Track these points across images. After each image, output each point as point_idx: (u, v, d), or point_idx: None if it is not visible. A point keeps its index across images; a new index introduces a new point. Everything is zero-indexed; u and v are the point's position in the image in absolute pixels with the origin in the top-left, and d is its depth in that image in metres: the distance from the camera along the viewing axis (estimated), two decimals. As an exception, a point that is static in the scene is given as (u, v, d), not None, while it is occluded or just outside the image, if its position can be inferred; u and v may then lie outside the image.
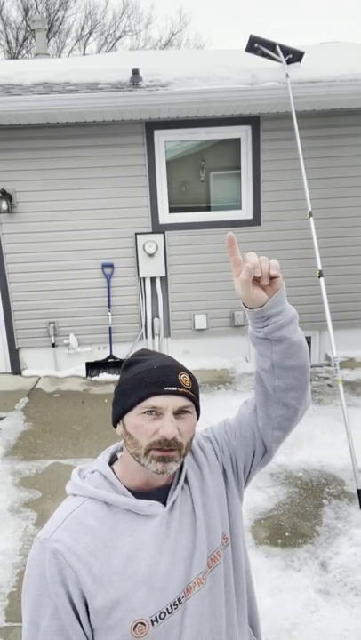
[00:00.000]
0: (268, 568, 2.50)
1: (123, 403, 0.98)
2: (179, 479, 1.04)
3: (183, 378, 0.98)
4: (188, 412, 0.97)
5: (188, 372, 1.01)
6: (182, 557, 0.98)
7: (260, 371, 1.08)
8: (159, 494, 1.01)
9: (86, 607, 0.92)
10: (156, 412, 0.94)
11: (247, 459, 1.12)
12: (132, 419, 0.96)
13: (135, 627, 0.91)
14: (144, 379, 0.96)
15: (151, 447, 0.93)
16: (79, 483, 1.01)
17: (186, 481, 1.05)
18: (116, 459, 1.08)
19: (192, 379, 1.01)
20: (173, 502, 1.01)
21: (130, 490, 0.99)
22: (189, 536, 1.00)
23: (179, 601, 0.96)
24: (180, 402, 0.96)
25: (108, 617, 0.91)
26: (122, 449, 1.06)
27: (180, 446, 0.95)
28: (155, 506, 0.98)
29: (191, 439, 0.99)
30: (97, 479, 1.01)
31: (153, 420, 0.94)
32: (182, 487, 1.04)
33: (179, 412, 0.95)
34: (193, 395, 0.98)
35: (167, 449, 0.93)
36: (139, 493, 0.99)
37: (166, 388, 0.95)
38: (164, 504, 1.00)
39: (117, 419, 1.01)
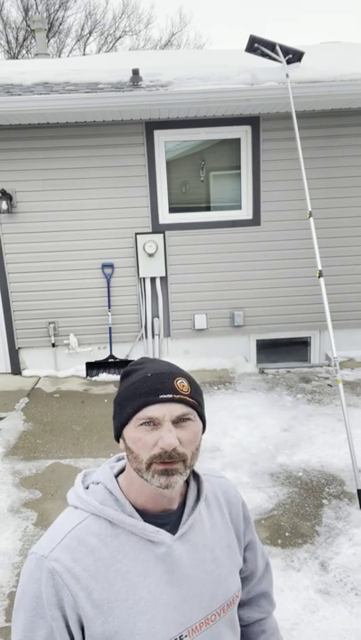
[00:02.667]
0: (269, 568, 2.50)
1: (120, 416, 0.93)
2: (193, 509, 0.98)
3: (180, 383, 0.91)
4: (188, 419, 0.90)
5: (187, 377, 0.93)
6: (191, 594, 0.93)
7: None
8: (169, 519, 0.95)
9: (82, 632, 0.87)
10: (153, 423, 0.88)
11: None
12: (130, 432, 0.90)
13: None
14: (138, 388, 0.90)
15: (152, 461, 0.87)
16: (83, 496, 0.94)
17: (199, 513, 0.99)
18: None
19: (191, 384, 0.93)
20: (184, 532, 0.95)
21: (136, 509, 0.93)
22: (201, 573, 0.95)
23: (180, 638, 0.91)
24: (178, 409, 0.88)
25: None
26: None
27: (184, 457, 0.88)
28: (161, 534, 0.91)
29: (197, 448, 0.92)
30: (102, 493, 0.94)
31: (151, 431, 0.87)
32: (195, 519, 0.98)
33: (178, 421, 0.88)
34: (192, 400, 0.91)
35: (169, 461, 0.87)
36: (146, 514, 0.93)
37: (161, 396, 0.88)
38: (174, 529, 0.94)
39: (118, 433, 0.95)
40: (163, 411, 0.88)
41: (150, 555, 0.91)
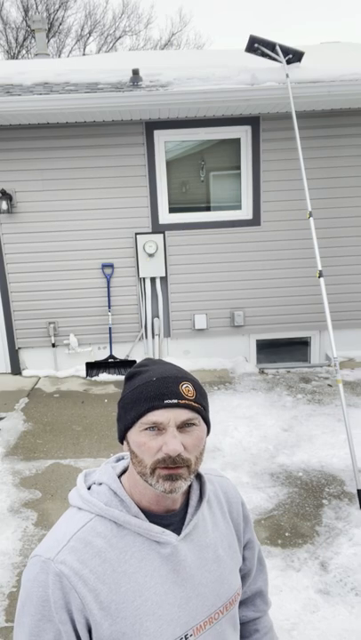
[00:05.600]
0: (268, 568, 2.50)
1: (124, 419, 0.92)
2: (196, 509, 0.99)
3: (185, 388, 0.90)
4: (193, 424, 0.89)
5: (193, 381, 0.93)
6: (196, 593, 0.93)
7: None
8: (173, 519, 0.95)
9: (90, 634, 0.86)
10: (158, 428, 0.87)
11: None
12: (134, 436, 0.90)
13: None
14: (143, 392, 0.89)
15: (156, 465, 0.87)
16: (88, 497, 0.94)
17: (202, 514, 1.00)
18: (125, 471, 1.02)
19: (196, 388, 0.93)
20: (188, 532, 0.96)
21: (140, 509, 0.93)
22: (205, 572, 0.96)
23: (185, 638, 0.91)
24: (183, 414, 0.88)
25: None
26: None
27: (188, 462, 0.88)
28: (167, 534, 0.92)
29: (201, 453, 0.92)
30: (107, 494, 0.94)
31: (156, 436, 0.87)
32: (198, 519, 0.98)
33: (183, 426, 0.88)
34: (198, 405, 0.90)
35: (173, 466, 0.86)
36: (151, 515, 0.93)
37: (166, 401, 0.87)
38: (177, 530, 0.95)
39: (122, 436, 0.94)
40: (168, 416, 0.87)
41: (156, 555, 0.91)
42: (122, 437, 0.95)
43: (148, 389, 0.89)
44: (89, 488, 0.98)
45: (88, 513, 0.92)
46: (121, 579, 0.87)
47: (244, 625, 1.16)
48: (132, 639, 0.86)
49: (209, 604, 0.95)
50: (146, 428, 0.88)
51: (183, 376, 0.92)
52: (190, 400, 0.89)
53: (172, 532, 0.93)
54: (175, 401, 0.88)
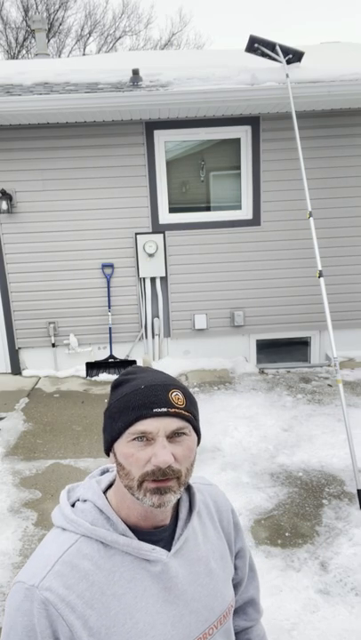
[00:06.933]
0: (268, 568, 2.50)
1: (110, 429, 0.87)
2: (186, 522, 0.95)
3: (175, 396, 0.85)
4: (184, 433, 0.85)
5: (182, 389, 0.88)
6: (189, 610, 0.90)
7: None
8: (162, 534, 0.91)
9: None
10: (146, 438, 0.83)
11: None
12: (122, 447, 0.85)
13: None
14: (130, 401, 0.85)
15: (144, 478, 0.82)
16: (72, 516, 0.88)
17: (192, 528, 0.97)
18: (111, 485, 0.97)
19: (186, 395, 0.88)
20: (179, 548, 0.92)
21: (128, 526, 0.89)
22: (198, 587, 0.92)
23: None
24: (173, 424, 0.83)
25: None
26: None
27: (178, 474, 0.83)
28: (157, 551, 0.87)
29: (192, 464, 0.87)
30: (92, 513, 0.89)
31: (144, 446, 0.82)
32: (189, 533, 0.95)
33: (173, 436, 0.83)
34: (188, 414, 0.86)
35: (162, 479, 0.82)
36: (139, 532, 0.89)
37: (155, 410, 0.83)
38: (167, 545, 0.91)
39: (108, 447, 0.89)
40: (157, 425, 0.83)
41: (146, 574, 0.87)
42: (108, 449, 0.90)
43: (136, 398, 0.85)
44: (73, 505, 0.93)
45: (73, 534, 0.87)
46: (110, 602, 0.83)
47: (236, 634, 1.14)
48: None
49: (203, 620, 0.92)
50: (134, 439, 0.83)
51: (172, 383, 0.88)
52: (180, 408, 0.85)
53: (162, 548, 0.89)
54: (165, 409, 0.83)
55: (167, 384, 0.87)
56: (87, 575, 0.83)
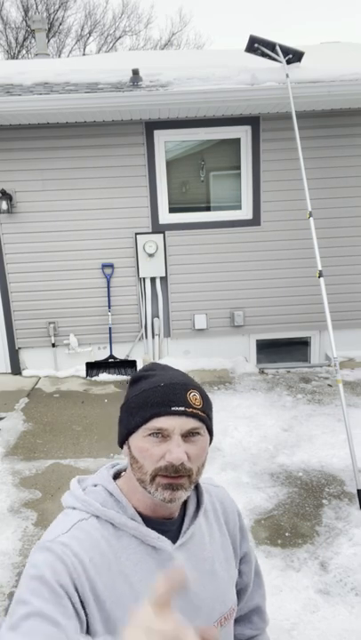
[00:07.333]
0: (268, 568, 2.50)
1: (127, 423, 0.90)
2: (193, 519, 0.96)
3: (193, 396, 0.88)
4: (198, 433, 0.87)
5: (200, 390, 0.91)
6: (191, 605, 0.90)
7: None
8: (170, 526, 0.92)
9: (86, 621, 0.81)
10: (162, 435, 0.85)
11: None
12: (137, 441, 0.87)
13: None
14: (149, 397, 0.87)
15: (157, 473, 0.85)
16: (83, 497, 0.91)
17: (199, 525, 0.98)
18: (119, 476, 0.98)
19: (203, 397, 0.91)
20: (184, 542, 0.93)
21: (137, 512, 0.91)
22: (200, 586, 0.92)
23: None
24: (189, 423, 0.86)
25: None
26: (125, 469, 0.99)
27: (190, 472, 0.85)
28: (162, 540, 0.89)
29: (203, 464, 0.89)
30: (102, 495, 0.91)
31: (159, 443, 0.85)
32: (195, 530, 0.96)
33: (188, 435, 0.86)
34: (204, 415, 0.89)
35: (175, 475, 0.84)
36: (147, 520, 0.90)
37: (173, 408, 0.85)
38: (174, 540, 0.92)
39: (123, 439, 0.92)
40: (173, 423, 0.85)
41: (152, 561, 0.88)
42: (122, 441, 0.92)
43: (155, 394, 0.87)
44: (84, 490, 0.95)
45: (84, 512, 0.89)
46: (117, 578, 0.85)
47: None
48: None
49: (204, 616, 0.92)
50: (150, 434, 0.86)
51: (191, 383, 0.90)
52: (197, 409, 0.87)
53: (168, 540, 0.90)
54: (182, 409, 0.86)
55: (186, 384, 0.90)
56: (99, 545, 0.85)
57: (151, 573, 0.87)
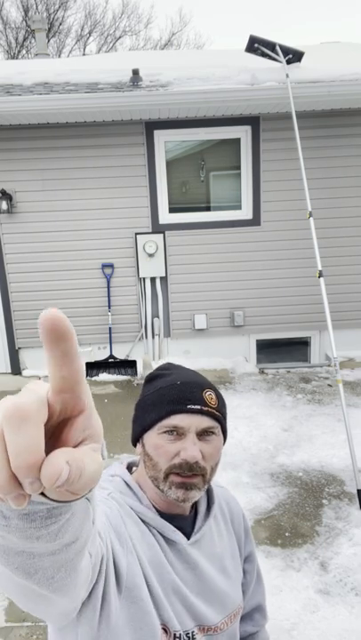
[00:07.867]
0: (268, 568, 2.50)
1: (142, 420, 0.90)
2: (205, 517, 0.97)
3: (209, 395, 0.88)
4: (213, 433, 0.87)
5: (215, 390, 0.92)
6: (205, 597, 0.90)
7: None
8: (182, 522, 0.92)
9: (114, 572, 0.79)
10: (177, 433, 0.85)
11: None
12: (152, 438, 0.87)
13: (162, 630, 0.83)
14: (165, 395, 0.87)
15: (171, 471, 0.85)
16: (103, 484, 0.91)
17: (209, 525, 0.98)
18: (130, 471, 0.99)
19: (219, 397, 0.92)
20: (197, 539, 0.93)
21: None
22: (210, 583, 0.93)
23: (192, 635, 0.88)
24: (205, 422, 0.86)
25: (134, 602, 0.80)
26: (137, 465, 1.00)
27: (204, 471, 0.85)
28: (178, 533, 0.89)
29: (216, 464, 0.89)
30: (121, 484, 0.92)
31: (174, 440, 0.85)
32: (206, 529, 0.96)
33: (203, 434, 0.86)
34: (219, 414, 0.89)
35: (189, 474, 0.84)
36: (160, 514, 0.91)
37: (189, 407, 0.86)
38: (187, 535, 0.92)
39: (137, 437, 0.92)
40: (189, 421, 0.85)
41: (167, 548, 0.89)
42: (136, 439, 0.93)
43: (172, 392, 0.87)
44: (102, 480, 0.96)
45: (106, 496, 0.89)
46: (141, 554, 0.84)
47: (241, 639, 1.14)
48: (146, 615, 0.82)
49: (214, 614, 0.92)
50: (165, 431, 0.86)
51: (207, 383, 0.91)
52: (213, 408, 0.88)
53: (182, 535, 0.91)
54: (198, 407, 0.86)
55: (202, 383, 0.91)
56: (131, 515, 0.87)
57: (170, 559, 0.87)
